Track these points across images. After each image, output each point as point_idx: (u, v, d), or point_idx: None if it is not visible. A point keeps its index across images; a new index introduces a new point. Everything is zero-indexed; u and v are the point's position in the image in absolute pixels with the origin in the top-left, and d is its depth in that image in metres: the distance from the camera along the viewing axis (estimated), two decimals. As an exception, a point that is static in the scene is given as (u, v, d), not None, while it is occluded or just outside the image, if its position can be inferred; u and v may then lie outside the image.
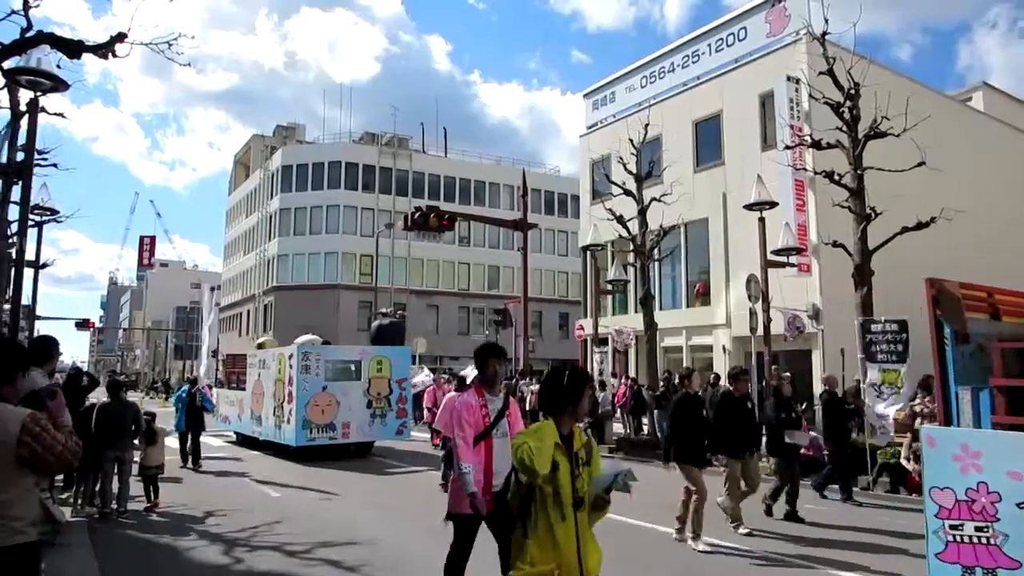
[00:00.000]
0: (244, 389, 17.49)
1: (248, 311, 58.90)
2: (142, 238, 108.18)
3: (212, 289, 15.84)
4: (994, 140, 26.96)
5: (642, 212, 19.32)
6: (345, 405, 14.55)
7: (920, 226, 13.64)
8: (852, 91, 14.09)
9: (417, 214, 17.76)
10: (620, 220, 19.21)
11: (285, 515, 9.05)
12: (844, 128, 14.20)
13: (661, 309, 23.59)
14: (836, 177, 14.14)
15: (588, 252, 23.38)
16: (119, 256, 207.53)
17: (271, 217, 53.76)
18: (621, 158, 20.43)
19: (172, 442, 15.85)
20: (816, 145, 14.74)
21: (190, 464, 13.50)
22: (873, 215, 13.76)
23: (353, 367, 15.31)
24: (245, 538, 7.81)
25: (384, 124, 67.13)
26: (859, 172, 13.94)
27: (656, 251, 20.08)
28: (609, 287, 22.88)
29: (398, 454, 15.97)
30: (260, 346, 18.32)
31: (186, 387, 14.84)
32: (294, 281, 50.86)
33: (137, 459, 9.60)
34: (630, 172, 19.95)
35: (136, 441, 9.44)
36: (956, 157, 21.23)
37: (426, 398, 19.84)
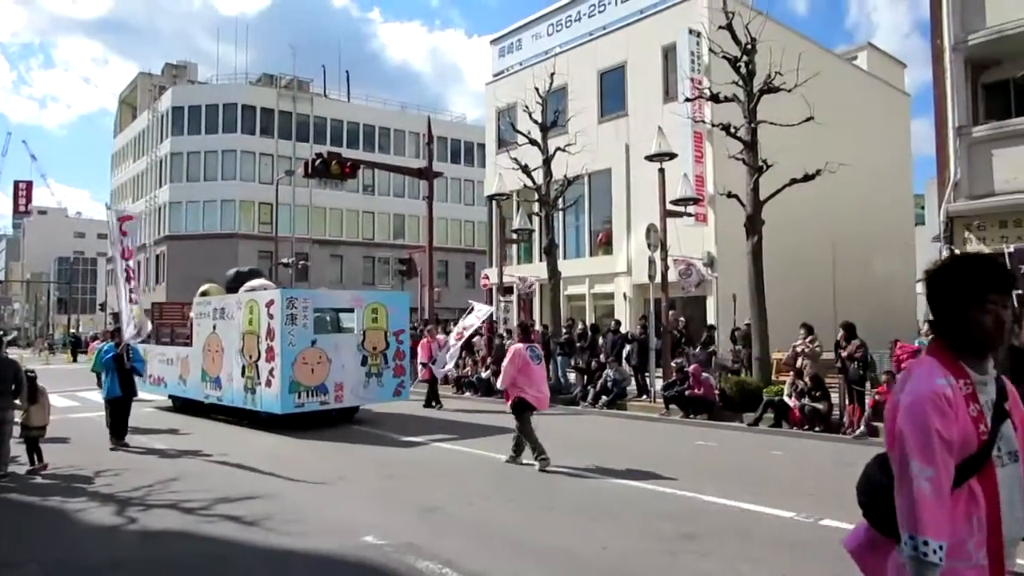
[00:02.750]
0: (186, 344, 14.71)
1: (138, 261, 55.91)
2: (17, 183, 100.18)
3: (120, 220, 11.90)
4: (876, 98, 28.47)
5: (547, 162, 19.44)
6: (337, 363, 12.28)
7: (806, 178, 14.33)
8: (749, 46, 14.51)
9: (318, 160, 17.23)
10: (525, 169, 19.28)
11: (182, 473, 8.84)
12: (740, 82, 14.65)
13: (565, 258, 24.00)
14: (732, 130, 14.62)
15: (493, 201, 23.39)
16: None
17: (162, 162, 50.89)
18: (527, 107, 20.39)
19: (59, 401, 15.09)
20: (714, 98, 15.15)
21: (113, 441, 10.73)
22: (765, 167, 14.35)
23: (345, 317, 13.26)
24: (139, 497, 7.58)
25: (280, 65, 64.50)
26: (753, 125, 14.46)
27: (560, 201, 20.32)
28: (514, 236, 23.06)
29: (394, 420, 13.50)
30: (204, 294, 15.30)
31: (109, 344, 11.50)
32: (188, 230, 48.60)
33: (18, 420, 9.08)
34: (535, 121, 19.96)
35: (17, 401, 8.91)
36: (841, 113, 22.31)
37: (420, 352, 16.51)
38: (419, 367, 16.55)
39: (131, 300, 11.54)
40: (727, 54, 14.65)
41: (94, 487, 8.15)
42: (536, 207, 20.87)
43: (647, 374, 15.62)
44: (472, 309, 17.63)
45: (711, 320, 21.27)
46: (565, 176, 19.74)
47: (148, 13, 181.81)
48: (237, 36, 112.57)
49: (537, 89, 20.17)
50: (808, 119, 14.47)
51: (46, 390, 9.67)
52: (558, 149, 19.34)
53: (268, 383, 11.96)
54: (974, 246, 13.84)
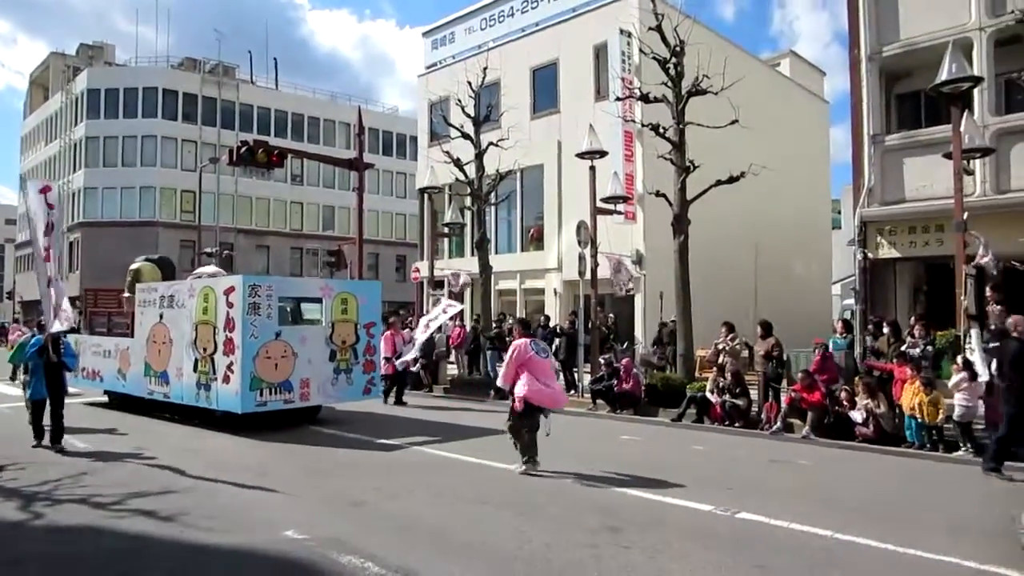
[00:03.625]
0: (125, 335, 13.43)
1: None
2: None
3: (42, 191, 10.23)
4: (797, 104, 29.55)
5: (479, 156, 19.43)
6: (303, 357, 11.21)
7: (731, 180, 14.76)
8: (677, 48, 14.83)
9: (244, 148, 16.72)
10: (457, 163, 19.23)
11: (94, 467, 8.48)
12: (669, 83, 14.96)
13: (496, 253, 24.04)
14: (661, 130, 14.92)
15: (425, 194, 23.20)
16: None
17: (76, 145, 48.50)
18: (460, 100, 20.32)
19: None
20: (644, 98, 15.43)
21: (47, 441, 9.63)
22: (692, 167, 14.71)
23: (307, 308, 12.23)
24: (46, 492, 7.23)
25: (204, 50, 62.14)
26: (681, 126, 14.80)
27: (492, 195, 20.34)
28: (446, 230, 22.92)
29: (361, 420, 12.64)
30: (136, 274, 13.84)
31: (36, 337, 9.96)
32: (105, 217, 46.47)
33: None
34: (468, 115, 19.92)
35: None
36: (764, 117, 23.06)
37: (384, 346, 14.63)
38: (382, 362, 15.09)
39: (49, 284, 9.86)
40: (657, 55, 14.94)
41: (-4, 483, 7.73)
42: (468, 201, 20.85)
43: (575, 369, 15.82)
44: (439, 302, 17.09)
45: (638, 317, 21.69)
46: (497, 171, 19.78)
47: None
48: (158, 19, 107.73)
49: (470, 83, 20.13)
50: (733, 122, 14.90)
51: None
52: (491, 144, 19.35)
53: (226, 379, 10.83)
54: (885, 251, 14.53)
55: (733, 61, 16.27)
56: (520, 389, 7.97)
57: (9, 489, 7.35)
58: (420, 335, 16.12)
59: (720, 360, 12.74)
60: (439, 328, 17.34)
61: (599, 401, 14.01)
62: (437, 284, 22.79)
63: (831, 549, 5.59)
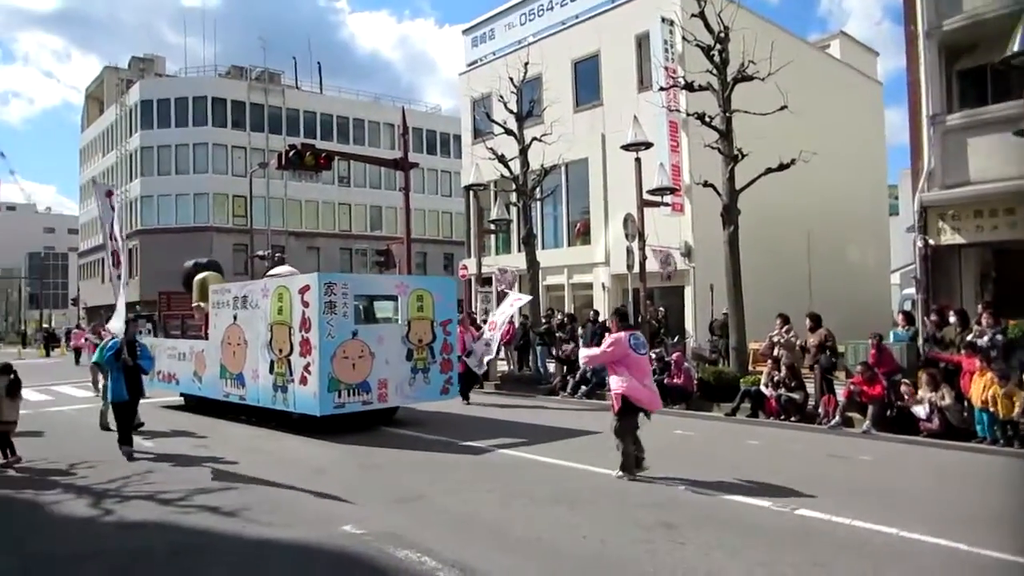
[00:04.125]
0: (200, 337, 13.31)
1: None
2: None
3: (108, 194, 10.72)
4: (849, 87, 28.74)
5: (523, 152, 19.39)
6: (380, 357, 10.80)
7: (781, 167, 14.43)
8: (722, 34, 14.55)
9: (292, 152, 17.01)
10: (501, 159, 19.23)
11: (159, 464, 8.74)
12: (714, 71, 14.69)
13: (543, 248, 24.00)
14: (707, 119, 14.67)
15: (470, 192, 23.28)
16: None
17: (132, 156, 50.06)
18: (502, 97, 20.31)
19: (33, 395, 14.76)
20: (688, 87, 15.19)
21: (124, 450, 9.37)
22: (740, 156, 14.43)
23: (380, 306, 11.96)
24: (115, 489, 7.49)
25: (248, 57, 63.50)
26: (727, 114, 14.53)
27: (538, 190, 20.30)
28: (492, 227, 22.98)
29: (438, 421, 12.08)
30: (203, 283, 13.66)
31: (113, 340, 9.75)
32: (161, 224, 47.88)
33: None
34: (511, 111, 19.90)
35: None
36: (815, 102, 22.50)
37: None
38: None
39: (116, 291, 10.14)
40: (700, 43, 14.68)
41: (69, 480, 8.03)
42: (514, 197, 20.83)
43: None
44: (507, 296, 16.54)
45: (688, 310, 21.42)
46: (542, 166, 19.71)
47: (109, 5, 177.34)
48: (204, 28, 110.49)
49: (511, 79, 20.10)
50: (782, 108, 14.56)
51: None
52: (534, 139, 19.30)
53: (303, 380, 10.45)
54: (948, 237, 13.99)
55: (780, 45, 15.91)
56: (617, 386, 7.51)
57: (80, 487, 7.63)
58: (488, 332, 15.46)
59: (775, 353, 12.48)
60: (510, 321, 16.99)
61: (650, 395, 13.86)
62: (485, 281, 22.86)
63: (896, 547, 5.41)
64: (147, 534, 5.98)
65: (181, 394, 14.33)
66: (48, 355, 38.17)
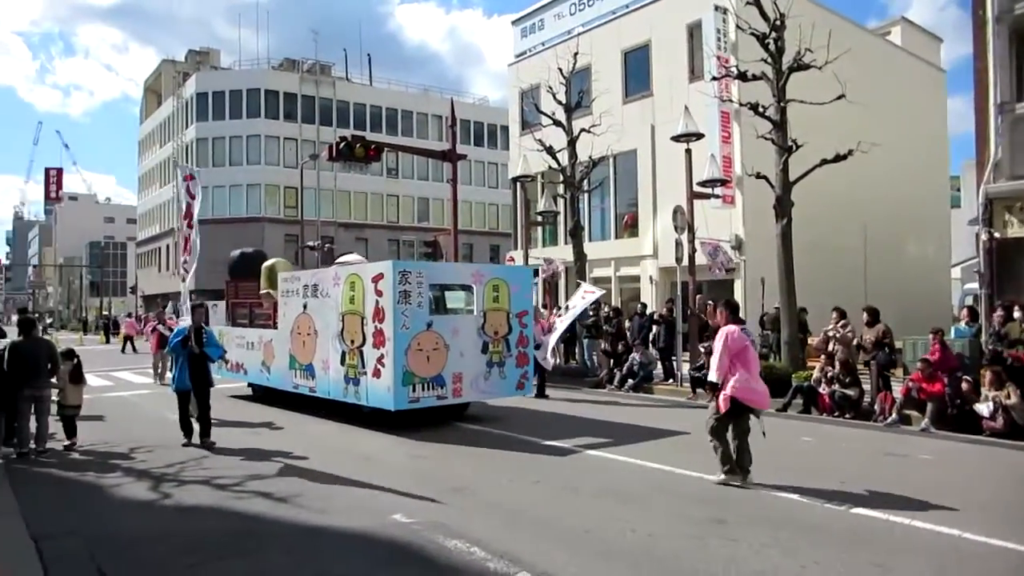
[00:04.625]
0: (268, 326, 12.99)
1: (167, 246, 56.67)
2: (48, 170, 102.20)
3: (189, 178, 10.37)
4: (910, 75, 27.82)
5: (571, 143, 19.28)
6: (455, 349, 10.31)
7: (838, 158, 14.05)
8: (777, 22, 14.21)
9: (342, 144, 17.20)
10: (549, 151, 19.15)
11: (213, 451, 8.96)
12: (769, 60, 14.36)
13: (590, 240, 23.86)
14: (760, 109, 14.35)
15: (518, 183, 23.29)
16: (21, 190, 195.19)
17: (187, 147, 51.35)
18: (550, 88, 20.22)
19: (94, 380, 15.26)
20: (742, 77, 14.88)
21: (196, 440, 9.29)
22: (795, 147, 14.09)
23: (450, 296, 11.41)
24: (173, 473, 7.70)
25: (299, 48, 64.55)
26: (782, 104, 14.19)
27: (585, 182, 20.16)
28: (539, 219, 22.94)
29: (515, 417, 11.54)
30: (271, 270, 13.27)
31: (180, 327, 9.70)
32: (215, 214, 48.94)
33: (55, 398, 9.26)
34: (559, 102, 19.79)
35: (54, 379, 9.09)
36: (873, 91, 21.84)
37: None
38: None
39: (184, 279, 9.88)
40: (755, 31, 14.36)
41: (129, 463, 8.29)
42: (561, 189, 20.75)
43: (674, 358, 15.51)
44: (579, 289, 16.17)
45: (739, 304, 21.06)
46: (590, 157, 19.57)
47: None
48: (258, 21, 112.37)
49: (560, 70, 19.97)
50: (839, 97, 14.15)
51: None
52: (583, 130, 19.16)
53: (376, 373, 9.99)
54: (1015, 230, 13.46)
55: (838, 32, 15.43)
56: (729, 386, 6.97)
57: (140, 470, 7.88)
58: (559, 325, 15.23)
59: (830, 348, 12.18)
60: (581, 315, 16.33)
61: (699, 390, 13.68)
62: (532, 274, 22.77)
63: (959, 549, 5.24)
64: (204, 518, 6.14)
65: (248, 384, 14.07)
66: (108, 341, 39.50)
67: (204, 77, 52.07)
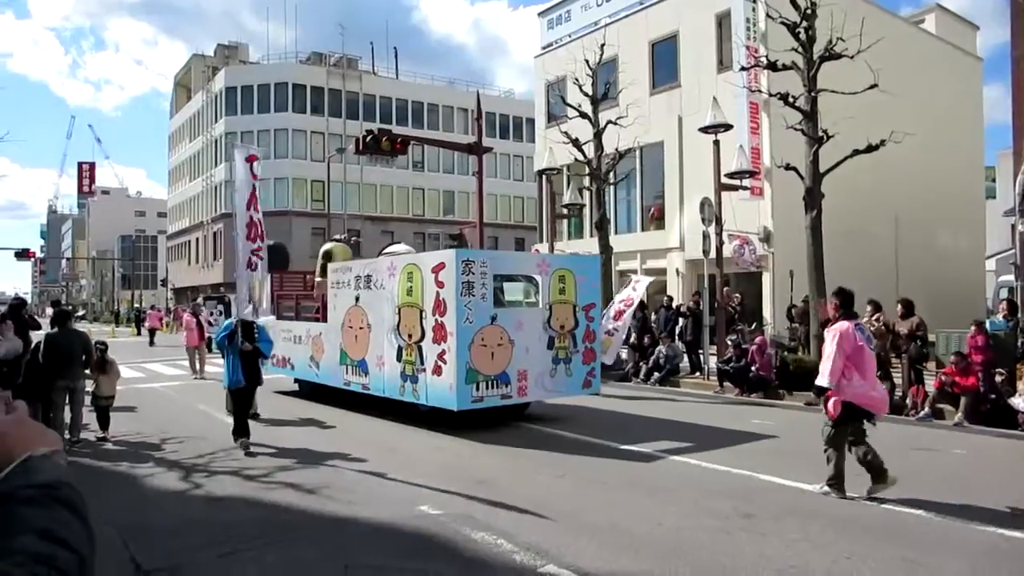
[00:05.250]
0: (315, 319, 12.38)
1: (197, 239, 57.48)
2: (81, 164, 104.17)
3: (252, 159, 9.18)
4: (945, 63, 27.22)
5: (597, 135, 19.17)
6: (520, 345, 9.61)
7: (870, 149, 13.81)
8: (808, 11, 13.98)
9: (369, 138, 17.28)
10: (575, 143, 19.05)
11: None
12: (799, 49, 14.14)
13: (616, 233, 23.74)
14: (790, 99, 14.15)
15: (543, 176, 23.20)
16: (55, 184, 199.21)
17: (216, 141, 51.96)
18: (576, 79, 20.11)
19: (125, 372, 15.53)
20: (772, 66, 14.68)
21: (240, 442, 8.47)
22: (825, 138, 13.88)
23: (509, 288, 10.63)
24: (203, 464, 7.82)
25: (326, 41, 64.81)
26: (813, 94, 13.97)
27: (611, 174, 20.05)
28: (565, 211, 22.87)
29: (579, 417, 10.77)
30: (327, 255, 12.43)
31: (227, 321, 9.19)
32: (243, 208, 49.61)
33: (89, 389, 9.45)
34: (585, 94, 19.67)
35: (88, 371, 9.27)
36: (907, 80, 21.42)
37: None
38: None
39: (250, 265, 8.88)
40: (785, 20, 14.14)
41: (160, 454, 8.44)
42: (587, 181, 20.64)
43: (701, 351, 15.40)
44: (630, 282, 15.78)
45: (766, 296, 20.85)
46: (616, 149, 19.44)
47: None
48: (286, 14, 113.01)
49: (587, 61, 19.85)
50: (872, 87, 13.90)
51: (115, 361, 10.01)
52: (609, 122, 19.03)
53: (436, 370, 9.32)
54: (1050, 219, 13.15)
55: (871, 21, 15.19)
56: (840, 390, 6.30)
57: (171, 461, 8.01)
58: (613, 322, 14.68)
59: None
60: (640, 306, 16.02)
61: (726, 384, 13.59)
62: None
63: (997, 546, 5.14)
64: (234, 508, 6.22)
65: (295, 380, 13.37)
66: (139, 333, 40.17)
67: (233, 72, 52.60)
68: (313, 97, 50.00)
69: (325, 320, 11.94)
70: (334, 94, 50.47)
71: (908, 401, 11.09)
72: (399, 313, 10.08)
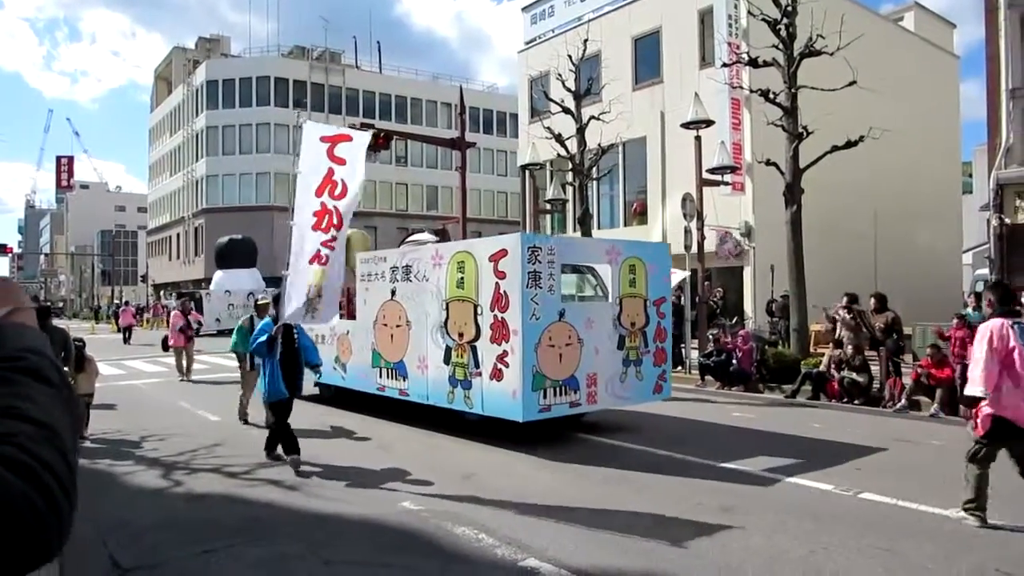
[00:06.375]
0: (344, 316, 10.51)
1: (177, 235, 56.98)
2: (59, 159, 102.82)
3: (333, 139, 7.36)
4: (923, 61, 27.51)
5: (580, 131, 19.20)
6: (589, 345, 8.43)
7: (849, 145, 13.96)
8: (789, 8, 14.10)
9: (351, 132, 17.20)
10: (558, 139, 19.08)
11: (224, 438, 9.03)
12: (780, 46, 14.25)
13: (599, 228, 23.83)
14: (771, 95, 14.26)
15: (526, 171, 23.23)
16: (33, 178, 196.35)
17: (198, 135, 51.52)
18: (560, 75, 20.13)
19: (105, 369, 15.37)
20: (753, 63, 14.78)
21: (283, 452, 7.43)
22: (805, 133, 14.00)
23: (566, 279, 8.96)
24: (184, 461, 7.78)
25: (308, 34, 64.33)
26: (793, 91, 14.10)
27: (594, 170, 20.10)
28: (548, 206, 22.92)
29: (644, 426, 9.54)
30: (346, 244, 10.67)
31: (266, 321, 7.80)
32: (225, 203, 49.24)
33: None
34: (569, 89, 19.70)
35: (66, 368, 9.16)
36: (885, 77, 21.63)
37: None
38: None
39: (320, 259, 7.14)
40: (766, 16, 14.24)
41: (140, 451, 8.39)
42: (570, 177, 20.69)
43: (683, 345, 15.51)
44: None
45: (747, 291, 21.01)
46: (599, 145, 19.50)
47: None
48: (268, 6, 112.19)
49: (570, 57, 19.87)
50: (851, 83, 14.05)
51: (93, 358, 9.92)
52: (592, 118, 19.08)
53: (496, 375, 8.12)
54: (1024, 214, 13.39)
55: (850, 18, 15.29)
56: (993, 402, 5.26)
57: (151, 458, 7.96)
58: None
59: (838, 334, 12.16)
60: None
61: (707, 377, 13.71)
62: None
63: (968, 533, 5.24)
64: (216, 506, 6.21)
65: (316, 384, 11.52)
66: (119, 330, 39.80)
67: (214, 65, 52.12)
68: (296, 91, 49.69)
69: (352, 317, 10.72)
70: (317, 88, 50.17)
71: (886, 393, 11.24)
72: (447, 308, 8.86)
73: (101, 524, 5.60)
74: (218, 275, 34.26)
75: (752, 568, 4.63)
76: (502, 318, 8.07)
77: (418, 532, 5.36)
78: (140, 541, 5.32)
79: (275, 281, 39.94)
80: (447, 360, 8.83)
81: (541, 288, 7.99)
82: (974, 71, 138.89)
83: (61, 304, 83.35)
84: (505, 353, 8.03)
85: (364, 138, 7.61)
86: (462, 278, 8.64)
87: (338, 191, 7.27)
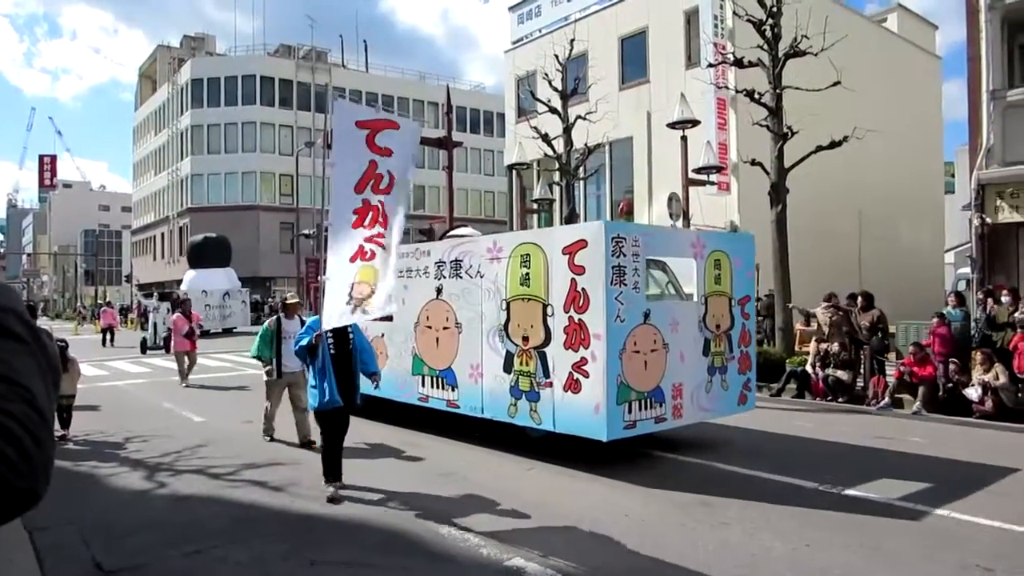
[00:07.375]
0: (380, 318, 7.91)
1: (162, 234, 56.55)
2: (42, 157, 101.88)
3: (374, 125, 6.25)
4: (906, 61, 27.75)
5: (567, 130, 19.23)
6: (675, 351, 7.45)
7: (833, 145, 14.06)
8: (774, 9, 14.18)
9: (337, 131, 17.11)
10: (545, 138, 19.10)
11: (209, 439, 8.98)
12: (765, 46, 14.33)
13: (586, 228, 23.81)
14: (756, 96, 14.34)
15: (513, 171, 23.20)
16: (15, 178, 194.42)
17: (182, 134, 51.15)
18: (547, 75, 20.14)
19: (89, 370, 15.25)
20: (738, 63, 14.85)
21: (333, 486, 6.32)
22: (790, 134, 14.09)
23: (651, 273, 8.00)
24: (168, 463, 7.73)
25: (293, 31, 64.09)
26: (778, 91, 14.18)
27: (581, 169, 20.13)
28: (535, 206, 22.90)
29: (722, 442, 8.58)
30: None
31: (314, 318, 6.54)
32: (210, 202, 48.91)
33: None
34: (555, 89, 19.71)
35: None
36: (869, 77, 21.82)
37: None
38: None
39: (364, 255, 6.29)
40: (752, 17, 14.32)
41: (124, 453, 8.32)
42: (557, 176, 20.71)
43: (668, 344, 15.54)
44: None
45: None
46: (586, 145, 19.52)
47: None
48: (253, 4, 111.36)
49: (557, 56, 19.89)
50: (835, 84, 14.15)
51: (76, 359, 9.83)
52: (579, 117, 19.11)
53: (572, 386, 7.07)
54: (1006, 215, 13.54)
55: (835, 19, 15.45)
56: None
57: (135, 460, 7.90)
58: None
59: (821, 332, 12.26)
60: None
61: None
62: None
63: (950, 529, 5.30)
64: (200, 506, 6.17)
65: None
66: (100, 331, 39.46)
67: (199, 63, 51.76)
68: (281, 90, 49.45)
69: (388, 318, 8.89)
70: (303, 87, 49.96)
71: (870, 391, 11.35)
72: (508, 309, 7.81)
73: (84, 526, 5.57)
74: (190, 274, 33.21)
75: (760, 563, 4.66)
76: (579, 320, 7.03)
77: (403, 532, 5.35)
78: (123, 543, 5.28)
79: (252, 281, 39.63)
80: (508, 368, 7.79)
81: (626, 286, 6.97)
82: (956, 72, 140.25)
83: (43, 303, 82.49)
84: (584, 360, 6.99)
85: (414, 128, 6.80)
86: (527, 274, 7.59)
87: (384, 184, 6.35)
